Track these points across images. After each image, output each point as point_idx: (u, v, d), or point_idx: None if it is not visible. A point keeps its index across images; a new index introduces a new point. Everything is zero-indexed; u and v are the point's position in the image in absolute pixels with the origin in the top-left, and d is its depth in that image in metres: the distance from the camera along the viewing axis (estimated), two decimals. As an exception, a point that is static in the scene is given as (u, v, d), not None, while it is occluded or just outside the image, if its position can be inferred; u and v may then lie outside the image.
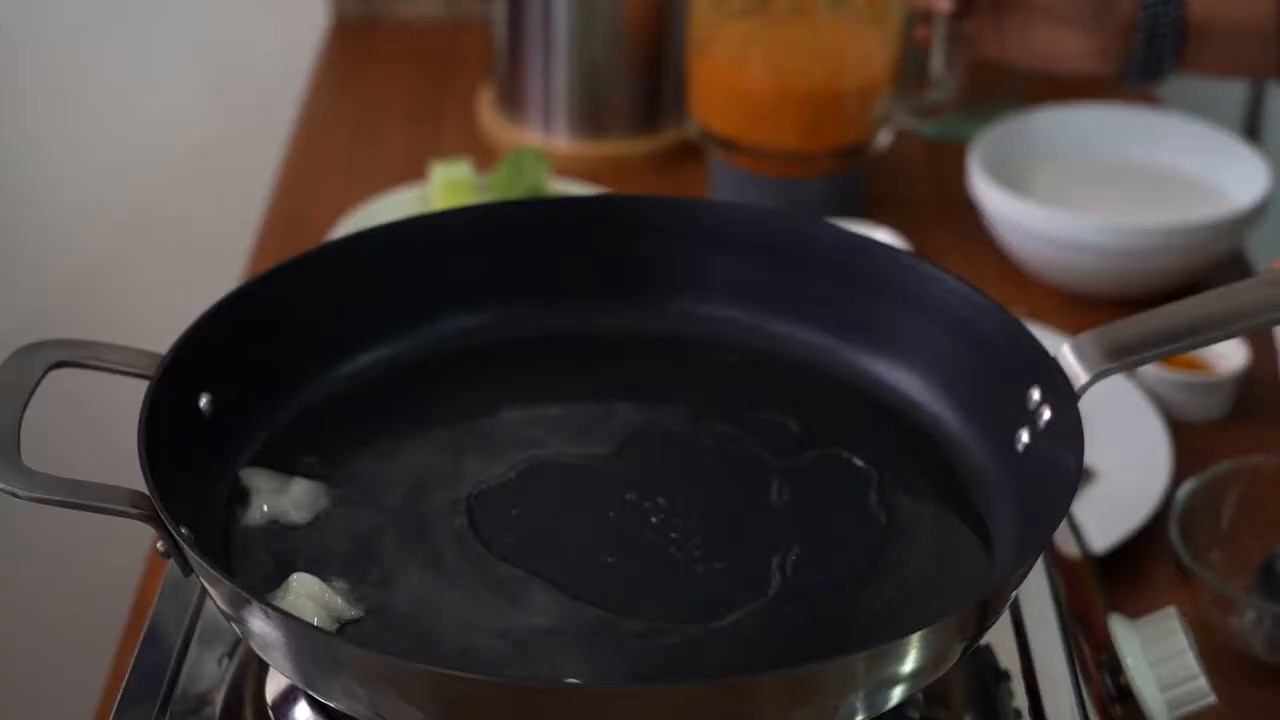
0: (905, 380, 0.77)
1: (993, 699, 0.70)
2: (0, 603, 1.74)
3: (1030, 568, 0.64)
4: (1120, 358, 0.68)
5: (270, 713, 0.67)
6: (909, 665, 0.60)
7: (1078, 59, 1.17)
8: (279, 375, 0.76)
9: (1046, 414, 0.69)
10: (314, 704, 0.66)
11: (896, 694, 0.61)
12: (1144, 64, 1.15)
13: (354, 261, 0.78)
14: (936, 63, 1.22)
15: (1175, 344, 0.69)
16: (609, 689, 0.61)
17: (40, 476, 0.63)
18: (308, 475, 0.72)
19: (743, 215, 0.82)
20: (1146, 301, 1.22)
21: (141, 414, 0.66)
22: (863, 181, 1.33)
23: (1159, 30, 1.13)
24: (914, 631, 0.58)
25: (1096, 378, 0.68)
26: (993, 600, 0.62)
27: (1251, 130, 1.67)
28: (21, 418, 0.66)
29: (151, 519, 0.63)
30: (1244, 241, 1.29)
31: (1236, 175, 1.27)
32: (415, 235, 0.80)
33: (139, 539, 1.21)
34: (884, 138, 1.29)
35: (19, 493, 0.63)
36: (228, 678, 0.69)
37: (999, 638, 0.72)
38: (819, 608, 0.67)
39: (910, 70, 1.26)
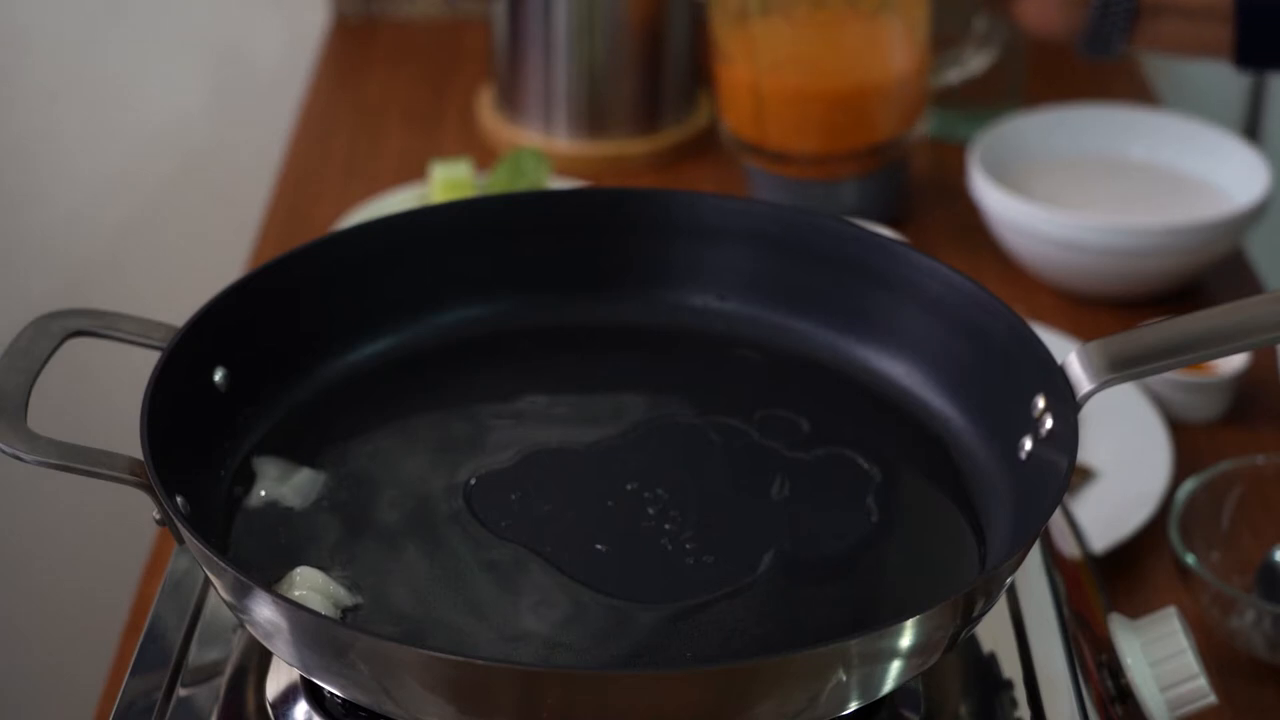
0: (916, 381, 0.77)
1: (993, 699, 0.70)
2: (1, 602, 1.74)
3: (1019, 562, 0.64)
4: (1126, 368, 0.68)
5: (270, 711, 0.67)
6: (897, 652, 0.60)
7: (1033, 21, 1.19)
8: (287, 361, 0.76)
9: (1049, 422, 0.69)
10: (313, 703, 0.66)
11: (885, 684, 0.61)
12: (1095, 36, 1.16)
13: (357, 253, 0.79)
14: (981, 21, 1.22)
15: (1182, 356, 0.69)
16: (604, 673, 0.61)
17: (43, 440, 0.65)
18: (311, 463, 0.73)
19: (750, 210, 0.82)
20: (1146, 301, 1.23)
21: (150, 380, 0.67)
22: (901, 179, 1.32)
23: (1112, 4, 1.14)
24: (906, 618, 0.59)
25: (1100, 387, 0.68)
26: (980, 591, 0.62)
27: (1251, 130, 1.66)
28: (33, 383, 0.67)
29: (146, 486, 0.64)
30: (1244, 241, 1.29)
31: (1236, 175, 1.27)
32: (427, 226, 0.80)
33: (140, 539, 1.21)
34: (920, 128, 1.28)
35: (23, 455, 0.64)
36: (228, 676, 0.70)
37: (999, 639, 0.72)
38: (804, 601, 0.67)
39: (951, 25, 1.26)
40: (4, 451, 0.65)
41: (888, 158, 1.28)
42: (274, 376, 0.76)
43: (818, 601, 0.67)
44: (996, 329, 0.73)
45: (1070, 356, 0.69)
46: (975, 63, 1.30)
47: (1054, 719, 0.68)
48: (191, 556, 0.71)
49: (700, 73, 1.45)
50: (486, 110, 1.47)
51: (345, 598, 0.66)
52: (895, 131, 1.26)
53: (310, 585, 0.66)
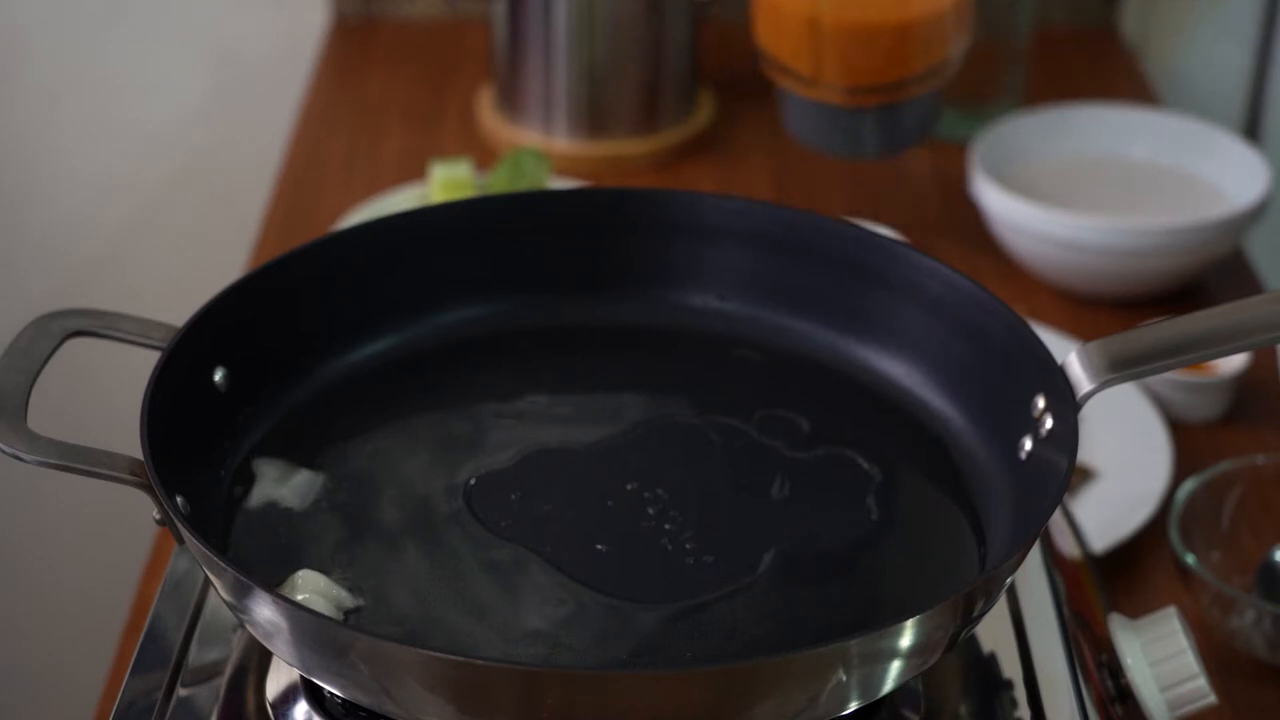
0: (916, 381, 0.77)
1: (993, 699, 0.70)
2: (1, 602, 1.74)
3: (1018, 562, 0.64)
4: (1126, 368, 0.68)
5: (270, 711, 0.67)
6: (897, 652, 0.60)
7: None
8: (287, 361, 0.77)
9: (1049, 422, 0.69)
10: (313, 703, 0.66)
11: (885, 684, 0.61)
12: None
13: (357, 253, 0.79)
14: None
15: (1182, 356, 0.69)
16: (604, 673, 0.61)
17: (43, 440, 0.65)
18: (311, 463, 0.73)
19: (750, 210, 0.82)
20: (1146, 301, 1.23)
21: (150, 380, 0.67)
22: (938, 97, 1.28)
23: None
24: (906, 618, 0.59)
25: (1100, 387, 0.68)
26: (980, 591, 0.62)
27: (1251, 130, 1.66)
28: (33, 383, 0.67)
29: (146, 486, 0.64)
30: (1244, 241, 1.29)
31: (1236, 175, 1.27)
32: (427, 226, 0.80)
33: (140, 539, 1.21)
34: (957, 49, 1.24)
35: (23, 455, 0.64)
36: (228, 676, 0.70)
37: (999, 639, 0.72)
38: (804, 601, 0.67)
39: None
40: (4, 451, 0.65)
41: (939, 79, 1.24)
42: (274, 376, 0.76)
43: (818, 601, 0.68)
44: (996, 329, 0.73)
45: (1070, 356, 0.69)
46: None
47: (1054, 719, 0.69)
48: (191, 556, 0.72)
49: (700, 72, 1.45)
50: (486, 110, 1.47)
51: (347, 600, 0.66)
52: (946, 54, 1.23)
53: (313, 588, 0.66)
